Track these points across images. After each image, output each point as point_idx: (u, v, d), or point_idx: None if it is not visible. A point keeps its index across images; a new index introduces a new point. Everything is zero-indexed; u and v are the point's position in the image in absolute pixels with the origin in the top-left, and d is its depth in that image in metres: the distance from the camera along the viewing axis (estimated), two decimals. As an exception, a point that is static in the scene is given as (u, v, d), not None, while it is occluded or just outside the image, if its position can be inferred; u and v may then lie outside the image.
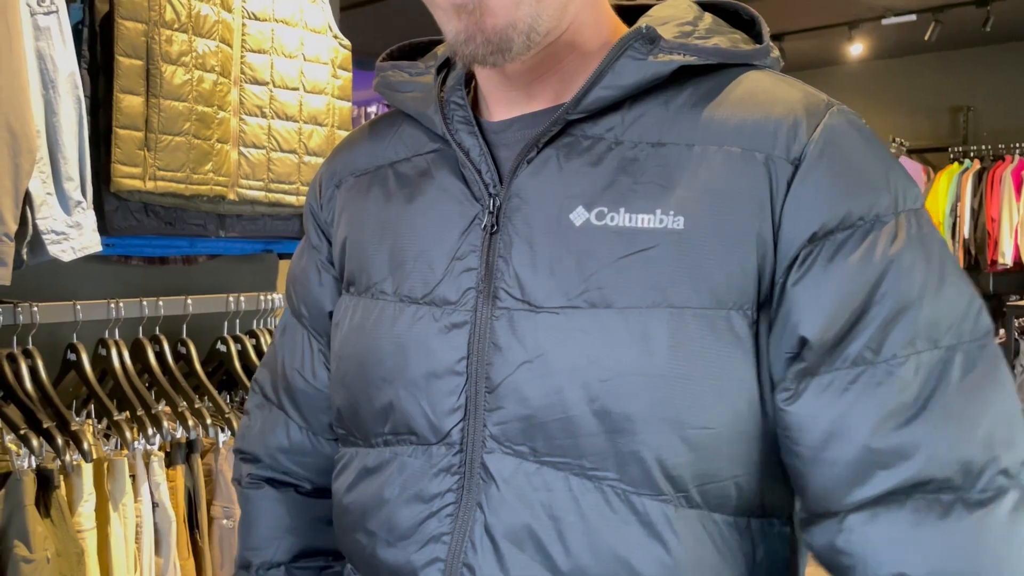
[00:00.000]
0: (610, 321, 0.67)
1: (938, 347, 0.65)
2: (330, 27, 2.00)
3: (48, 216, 1.36)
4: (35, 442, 1.39)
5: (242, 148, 1.85)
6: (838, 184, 0.67)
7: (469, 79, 0.80)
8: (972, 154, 5.32)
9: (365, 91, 8.57)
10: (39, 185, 1.35)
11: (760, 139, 0.68)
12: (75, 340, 1.64)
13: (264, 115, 1.88)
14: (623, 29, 0.77)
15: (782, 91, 0.71)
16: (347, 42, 2.05)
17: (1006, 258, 4.99)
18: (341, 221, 0.85)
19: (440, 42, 0.85)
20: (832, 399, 0.65)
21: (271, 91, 1.88)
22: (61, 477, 1.44)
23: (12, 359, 1.53)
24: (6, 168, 1.28)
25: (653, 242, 0.68)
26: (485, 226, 0.73)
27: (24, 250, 1.36)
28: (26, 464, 1.38)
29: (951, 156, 5.42)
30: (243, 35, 1.84)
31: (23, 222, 1.34)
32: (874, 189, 0.67)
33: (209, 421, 1.63)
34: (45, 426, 1.43)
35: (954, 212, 5.24)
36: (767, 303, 0.68)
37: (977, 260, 5.14)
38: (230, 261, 2.18)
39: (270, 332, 1.91)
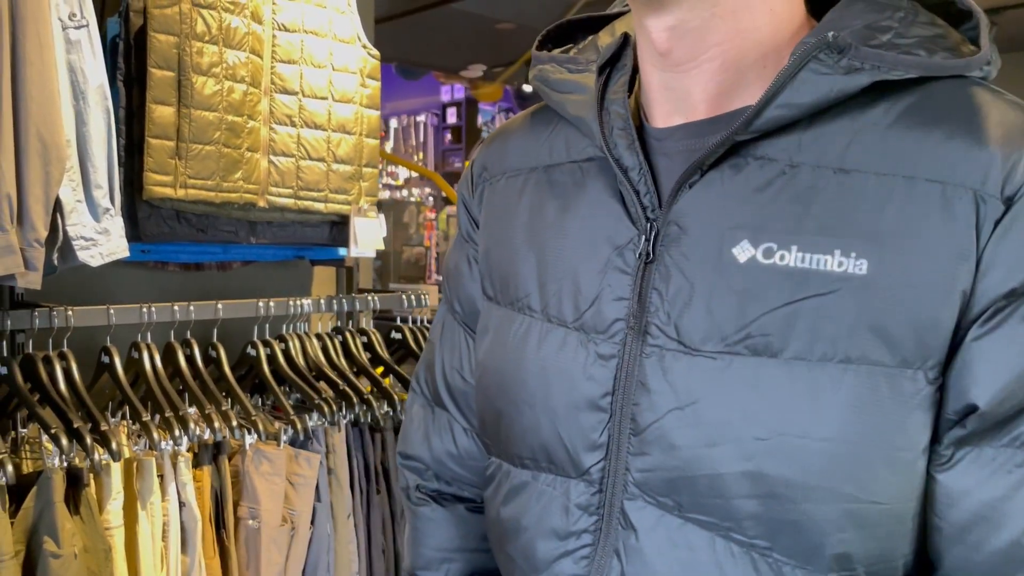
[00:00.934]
0: (773, 372, 0.60)
1: None
2: (359, 37, 2.03)
3: (78, 223, 1.41)
4: (64, 441, 1.44)
5: (272, 156, 1.89)
6: None
7: (633, 80, 0.73)
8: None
9: (410, 99, 8.65)
10: (69, 193, 1.40)
11: (969, 172, 0.57)
12: (108, 343, 1.69)
13: (293, 124, 1.92)
14: (807, 23, 0.67)
15: (999, 113, 0.59)
16: (376, 52, 2.08)
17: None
18: (489, 222, 0.81)
19: (601, 21, 0.79)
20: (991, 478, 0.58)
21: (300, 100, 1.92)
22: (91, 476, 1.48)
23: (48, 361, 1.58)
24: (37, 176, 1.33)
25: (830, 287, 0.59)
26: (640, 253, 0.66)
27: (55, 255, 1.42)
28: (56, 462, 1.43)
29: None
30: (273, 46, 1.88)
31: (53, 228, 1.39)
32: None
33: (235, 423, 1.67)
34: (76, 426, 1.47)
35: None
36: (951, 358, 0.59)
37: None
38: (264, 267, 2.23)
39: (299, 337, 1.94)
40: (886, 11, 0.62)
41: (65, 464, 1.45)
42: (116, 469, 1.51)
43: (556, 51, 0.77)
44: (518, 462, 0.73)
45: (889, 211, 0.58)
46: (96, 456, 1.47)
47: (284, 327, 1.96)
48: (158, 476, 1.57)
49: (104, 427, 1.51)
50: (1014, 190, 0.57)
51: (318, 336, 1.99)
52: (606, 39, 0.75)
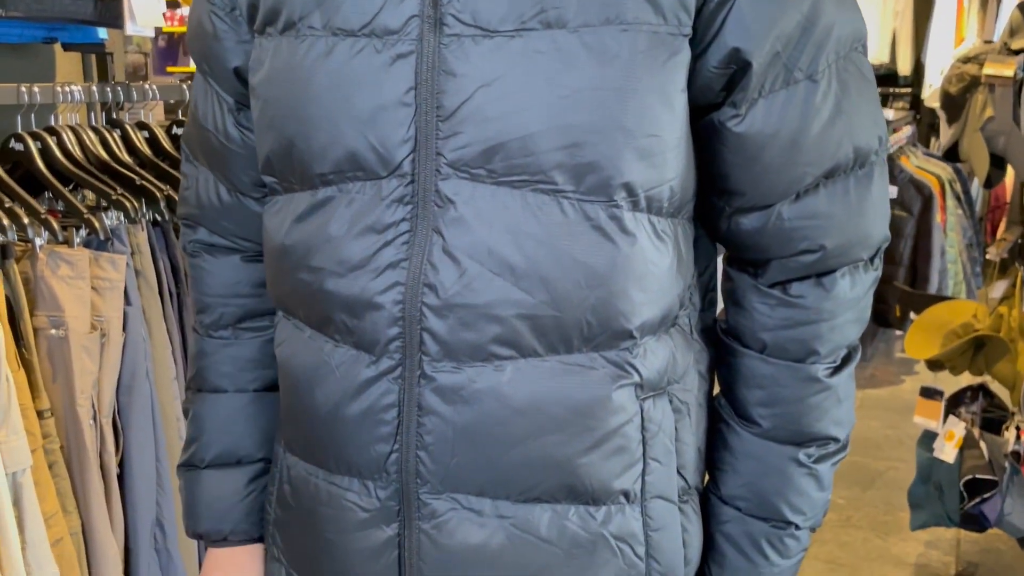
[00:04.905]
0: (566, 40, 0.69)
1: (840, 58, 0.77)
2: None
3: None
4: None
5: (19, -94, 1.57)
6: None
7: None
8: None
9: None
10: None
11: None
12: None
13: None
14: None
15: None
16: None
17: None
18: None
19: None
20: (773, 116, 0.76)
21: None
22: None
23: None
24: None
25: None
26: None
27: None
28: None
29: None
30: None
31: None
32: None
33: (26, 221, 1.46)
34: None
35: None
36: (699, 17, 0.73)
37: None
38: (2, 53, 1.88)
39: (73, 130, 1.70)
40: None
41: None
42: None
43: None
44: (318, 181, 0.77)
45: None
46: None
47: (51, 118, 1.70)
48: (-61, 285, 1.35)
49: None
50: None
51: (94, 129, 1.75)
52: None
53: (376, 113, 0.72)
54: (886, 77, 5.71)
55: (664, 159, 0.74)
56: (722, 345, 0.88)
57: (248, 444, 0.97)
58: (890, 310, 4.11)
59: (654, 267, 0.76)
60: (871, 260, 0.84)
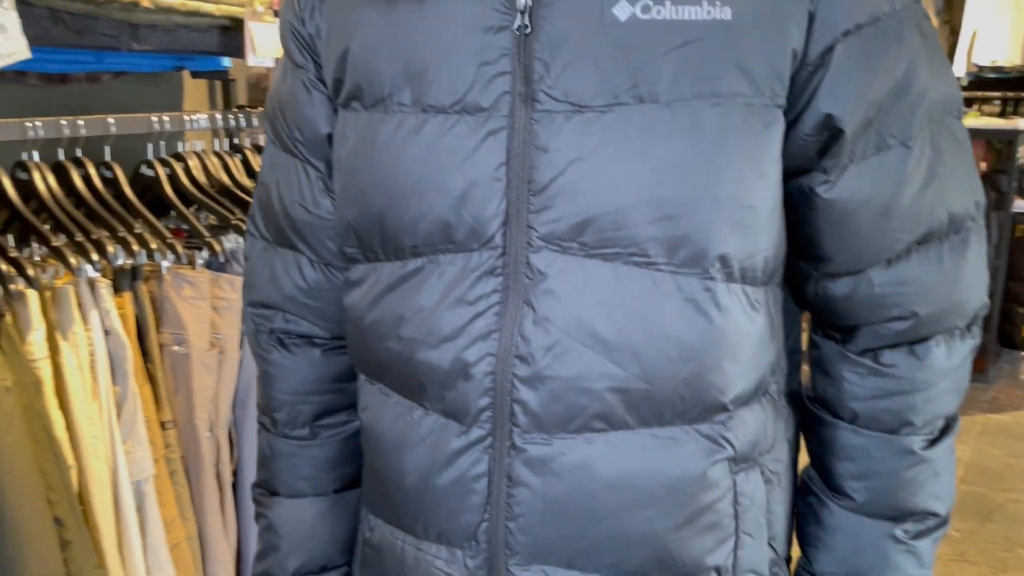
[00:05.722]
0: (658, 114, 0.69)
1: (934, 122, 0.75)
2: None
3: (-35, 17, 1.20)
4: (-24, 270, 1.29)
5: (154, -52, 1.67)
6: None
7: None
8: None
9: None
10: (-49, -21, 1.18)
11: None
12: (-10, 163, 1.50)
13: (175, -89, 1.69)
14: None
15: None
16: None
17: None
18: (333, 34, 0.80)
19: None
20: (865, 182, 0.74)
21: None
22: (5, 306, 1.35)
23: (-74, 184, 1.39)
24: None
25: (701, 34, 0.69)
26: (518, 27, 0.71)
27: (-59, 56, 1.21)
28: (-31, 293, 1.28)
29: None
30: None
31: (-62, 23, 1.18)
32: None
33: (154, 246, 1.55)
34: (-16, 253, 1.32)
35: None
36: (793, 85, 0.72)
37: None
38: (135, 81, 2.01)
39: (198, 156, 1.80)
40: None
41: (-23, 295, 1.30)
42: (34, 298, 1.38)
43: None
44: (408, 253, 0.77)
45: None
46: (12, 286, 1.34)
47: (179, 145, 1.81)
48: (76, 304, 1.46)
49: (13, 254, 1.37)
50: None
51: (216, 154, 1.85)
52: None
53: (468, 188, 0.73)
54: (1019, 80, 5.42)
55: (758, 229, 0.73)
56: (811, 415, 0.86)
57: (332, 551, 0.95)
58: (1016, 331, 3.91)
59: (747, 338, 0.75)
60: (968, 328, 0.81)
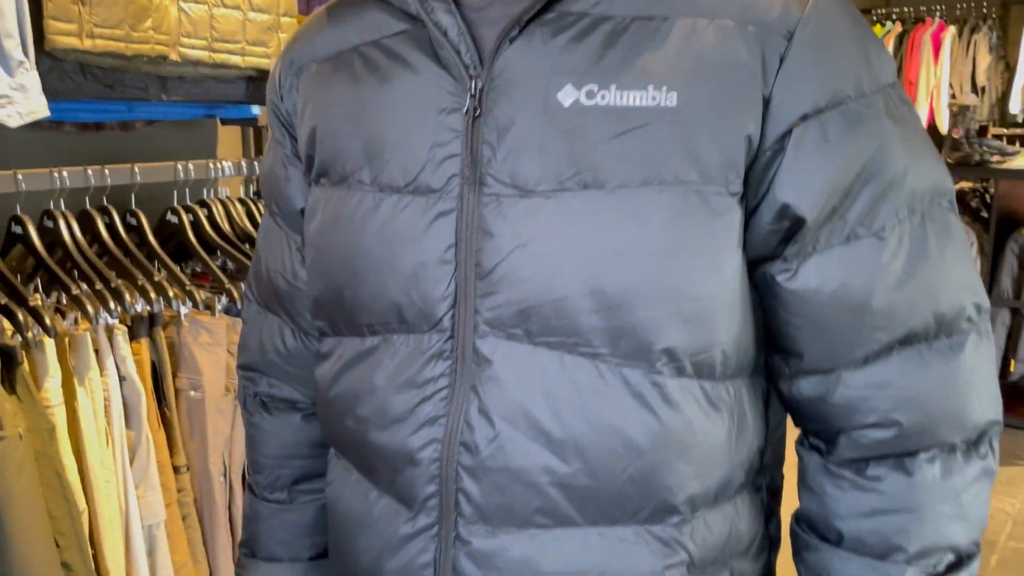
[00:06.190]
0: (602, 201, 0.67)
1: (915, 213, 0.69)
2: None
3: (-12, 77, 1.25)
4: (-6, 318, 1.33)
5: (182, 3, 1.72)
6: (828, 62, 0.67)
7: None
8: (894, 16, 5.38)
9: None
10: (-25, 43, 1.23)
11: (752, 11, 0.67)
12: (18, 211, 1.55)
13: (203, -33, 1.74)
14: None
15: None
16: None
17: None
18: (306, 111, 0.81)
19: None
20: (830, 274, 0.69)
21: (209, -60, 1.74)
22: (23, 353, 1.39)
23: (-46, 233, 1.44)
24: (-62, 23, 1.16)
25: (646, 120, 0.67)
26: (467, 110, 0.70)
27: (-36, 115, 1.26)
28: (-14, 341, 1.32)
29: (874, 18, 5.46)
30: None
31: (-39, 84, 1.23)
32: (860, 66, 0.69)
33: (171, 293, 1.59)
34: (3, 302, 1.36)
35: (875, 75, 5.32)
36: (750, 173, 0.69)
37: (894, 123, 5.27)
38: (168, 127, 2.07)
39: (223, 203, 1.84)
40: None
41: (-5, 343, 1.34)
42: (51, 345, 1.41)
43: None
44: (366, 331, 0.77)
45: (692, 48, 0.67)
46: (29, 333, 1.38)
47: (204, 191, 1.85)
48: (94, 351, 1.49)
49: (33, 302, 1.41)
50: (792, 26, 0.67)
51: (241, 201, 1.89)
52: None
53: (418, 269, 0.72)
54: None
55: (711, 323, 0.69)
56: (795, 536, 0.79)
57: None
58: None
59: (704, 437, 0.71)
60: (974, 446, 0.72)
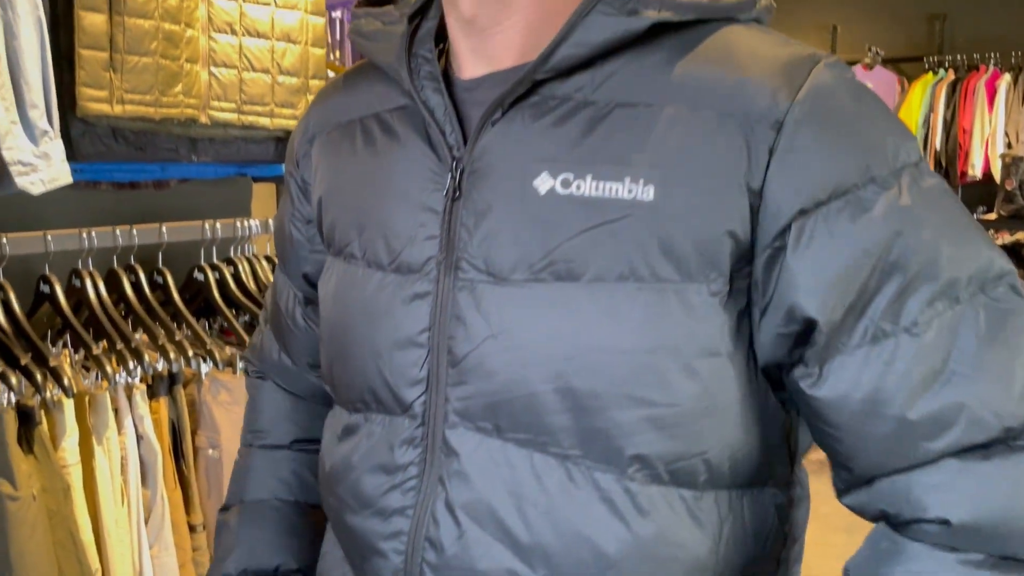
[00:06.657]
0: (576, 295, 0.64)
1: (959, 303, 0.61)
2: (300, -63, 1.89)
3: (13, 146, 1.30)
4: (14, 379, 1.36)
5: (212, 68, 1.77)
6: (827, 150, 0.62)
7: (443, 33, 0.74)
8: (947, 64, 5.28)
9: (329, -4, 8.27)
10: (2, 114, 1.28)
11: (737, 101, 0.63)
12: (47, 271, 1.59)
13: (234, 32, 1.79)
14: None
15: (764, 48, 0.65)
16: (318, -47, 1.94)
17: (976, 170, 5.00)
18: (317, 178, 0.82)
19: None
20: (859, 378, 0.62)
21: (241, 6, 1.79)
22: (42, 413, 1.41)
23: (-17, 293, 1.48)
24: (-34, 96, 1.21)
25: (621, 213, 0.63)
26: (448, 191, 0.69)
27: (-10, 182, 1.30)
28: (5, 401, 1.35)
29: (926, 66, 5.37)
30: (209, -54, 1.73)
31: (-13, 153, 1.27)
32: (867, 150, 0.63)
33: (191, 353, 1.61)
34: (23, 363, 1.39)
35: (927, 123, 5.22)
36: (745, 273, 0.64)
37: (948, 172, 5.17)
38: (203, 185, 2.11)
39: (248, 260, 1.87)
40: None
41: (15, 402, 1.37)
42: (69, 405, 1.44)
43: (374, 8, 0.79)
44: (350, 407, 0.76)
45: (672, 140, 0.63)
46: (48, 393, 1.40)
47: (231, 249, 1.88)
48: (112, 410, 1.51)
49: (53, 362, 1.44)
50: (780, 116, 0.62)
51: (267, 258, 1.92)
52: None
53: (392, 350, 0.70)
54: None
55: (689, 430, 0.64)
56: None
57: (287, 556, 0.91)
58: None
59: (682, 551, 0.65)
60: None
